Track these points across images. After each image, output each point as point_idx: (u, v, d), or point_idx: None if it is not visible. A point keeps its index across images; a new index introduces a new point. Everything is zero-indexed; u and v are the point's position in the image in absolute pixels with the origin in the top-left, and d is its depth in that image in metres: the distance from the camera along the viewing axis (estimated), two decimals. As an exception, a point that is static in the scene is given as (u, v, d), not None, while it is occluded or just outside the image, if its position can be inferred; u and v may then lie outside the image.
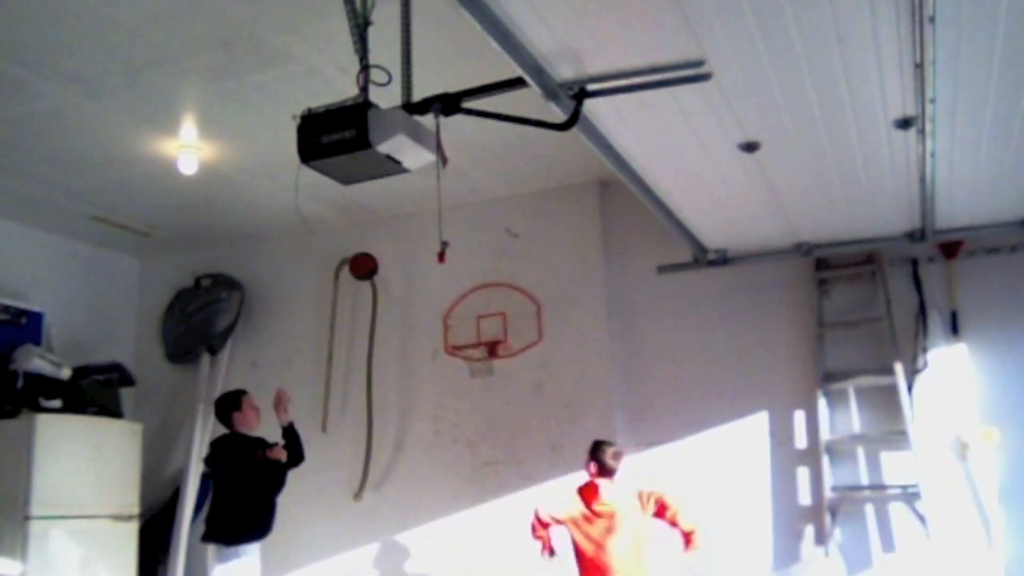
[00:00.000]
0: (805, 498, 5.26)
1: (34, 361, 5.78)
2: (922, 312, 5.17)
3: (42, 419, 5.55)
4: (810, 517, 5.23)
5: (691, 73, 3.08)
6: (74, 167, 5.42)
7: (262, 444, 5.23)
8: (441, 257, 3.57)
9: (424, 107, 3.32)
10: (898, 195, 4.38)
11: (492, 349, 5.87)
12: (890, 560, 5.02)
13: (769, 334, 5.49)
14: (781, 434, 5.37)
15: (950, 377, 5.06)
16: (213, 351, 6.66)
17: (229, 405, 5.29)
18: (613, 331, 5.76)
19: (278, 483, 5.30)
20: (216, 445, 5.31)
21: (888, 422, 5.11)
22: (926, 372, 5.08)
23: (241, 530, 5.11)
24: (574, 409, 5.71)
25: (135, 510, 5.97)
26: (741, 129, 3.63)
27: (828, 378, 5.28)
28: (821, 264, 5.43)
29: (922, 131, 3.54)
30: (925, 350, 5.11)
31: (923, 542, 4.92)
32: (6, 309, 6.03)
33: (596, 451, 4.72)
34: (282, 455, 5.12)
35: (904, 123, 3.55)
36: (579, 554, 4.69)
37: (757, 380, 5.45)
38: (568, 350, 5.79)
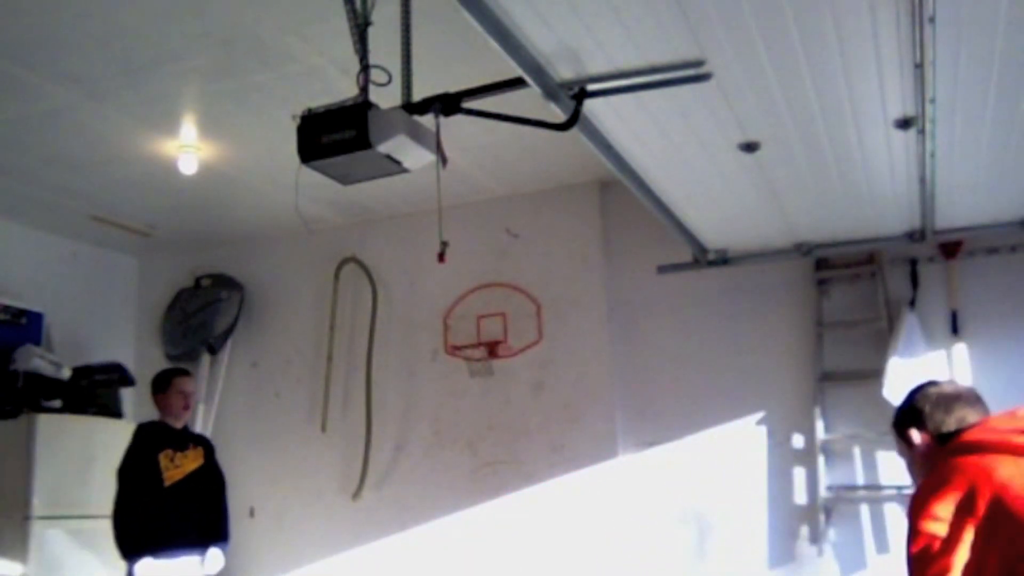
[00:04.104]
0: (801, 497, 5.27)
1: (34, 361, 5.78)
2: (910, 312, 5.11)
3: (42, 419, 5.56)
4: (805, 516, 5.24)
5: (691, 73, 3.07)
6: (74, 167, 5.43)
7: (175, 442, 4.96)
8: (441, 257, 3.58)
9: (424, 107, 3.32)
10: (898, 195, 4.38)
11: (492, 349, 5.87)
12: (884, 561, 5.02)
13: (768, 334, 5.50)
14: (779, 434, 5.37)
15: (949, 377, 5.06)
16: (213, 351, 6.67)
17: (154, 386, 5.04)
18: (613, 331, 5.76)
19: (195, 492, 4.96)
20: (135, 431, 5.05)
21: (885, 422, 5.09)
22: (886, 377, 4.92)
23: (138, 541, 4.70)
24: (574, 409, 5.71)
25: (135, 510, 5.97)
26: (741, 129, 3.63)
27: (826, 378, 5.28)
28: (821, 264, 5.43)
29: (922, 131, 3.54)
30: (887, 357, 4.99)
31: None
32: (6, 309, 6.03)
33: None
34: (191, 465, 4.89)
35: (904, 123, 3.55)
36: None
37: (756, 380, 5.46)
38: (568, 350, 5.80)
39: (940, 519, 2.09)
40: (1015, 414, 2.25)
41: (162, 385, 5.06)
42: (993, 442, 2.15)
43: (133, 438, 4.98)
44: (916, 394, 2.42)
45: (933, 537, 2.08)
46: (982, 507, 2.04)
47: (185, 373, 5.19)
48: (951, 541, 2.06)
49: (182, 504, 4.92)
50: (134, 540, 4.70)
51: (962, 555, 2.05)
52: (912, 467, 2.43)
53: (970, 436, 2.23)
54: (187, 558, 4.87)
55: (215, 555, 4.97)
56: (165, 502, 4.85)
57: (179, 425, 5.09)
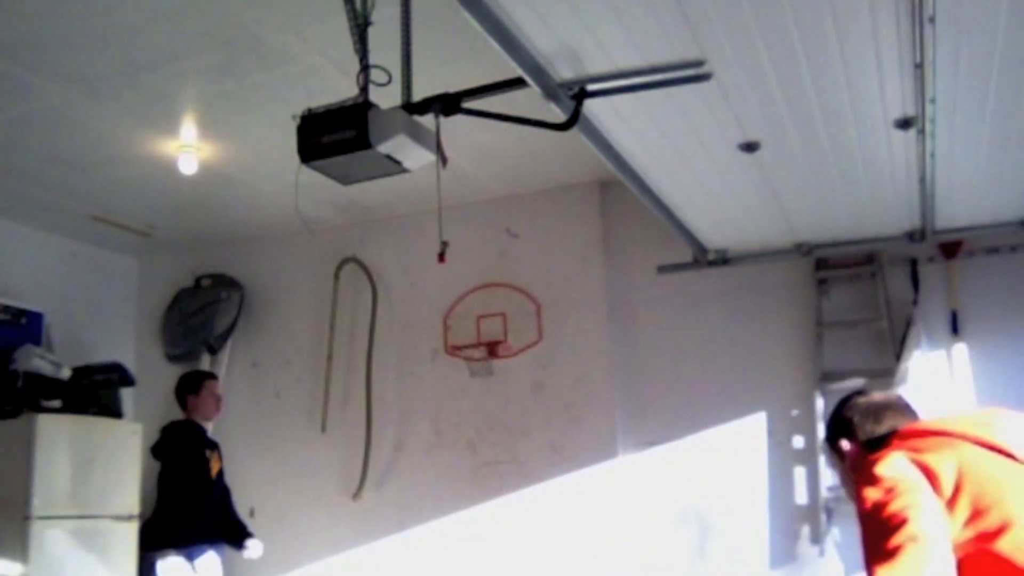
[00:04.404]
0: (802, 497, 5.27)
1: (34, 361, 5.77)
2: (913, 314, 5.13)
3: (42, 419, 5.55)
4: (806, 517, 5.24)
5: (691, 73, 3.08)
6: (74, 167, 5.42)
7: (208, 443, 5.14)
8: (441, 257, 3.58)
9: (424, 107, 3.33)
10: (898, 195, 4.38)
11: (492, 349, 5.87)
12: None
13: (768, 334, 5.50)
14: (779, 434, 5.37)
15: (949, 377, 5.06)
16: (213, 351, 6.66)
17: (185, 388, 5.19)
18: (613, 331, 5.76)
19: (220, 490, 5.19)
20: (164, 432, 5.21)
21: (887, 422, 5.10)
22: (906, 383, 4.94)
23: (182, 534, 4.91)
24: (574, 409, 5.71)
25: (135, 510, 5.96)
26: (741, 129, 3.63)
27: (826, 378, 5.28)
28: (821, 264, 5.43)
29: (922, 131, 3.54)
30: (903, 356, 5.02)
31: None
32: (6, 309, 6.03)
33: None
34: (216, 466, 5.08)
35: (904, 123, 3.55)
36: None
37: (756, 380, 5.46)
38: (568, 350, 5.79)
39: (902, 470, 1.91)
40: (964, 413, 2.15)
41: (193, 387, 5.22)
42: (948, 431, 2.01)
43: (173, 436, 5.13)
44: (844, 405, 2.33)
45: (897, 480, 1.89)
46: (948, 483, 1.87)
47: (214, 376, 5.35)
48: (920, 488, 1.86)
49: (216, 500, 5.17)
50: (179, 533, 4.93)
51: (927, 500, 1.84)
52: (845, 479, 2.31)
53: (924, 425, 2.09)
54: (212, 553, 5.07)
55: (255, 544, 5.22)
56: (211, 496, 5.10)
57: (207, 427, 5.29)
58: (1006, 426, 2.01)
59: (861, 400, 2.29)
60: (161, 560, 4.95)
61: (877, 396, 2.30)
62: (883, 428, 2.19)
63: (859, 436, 2.22)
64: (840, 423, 2.29)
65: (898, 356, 5.06)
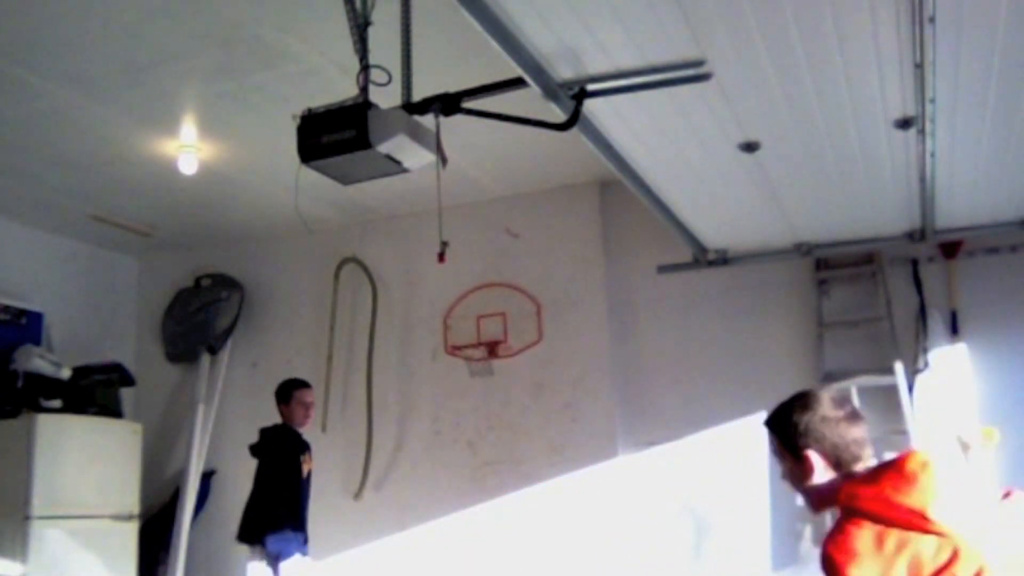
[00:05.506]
0: (804, 498, 5.27)
1: (34, 361, 5.78)
2: (923, 312, 5.18)
3: (42, 419, 5.56)
4: (808, 517, 5.23)
5: (691, 73, 3.08)
6: (74, 167, 5.43)
7: (303, 446, 5.27)
8: (441, 257, 3.58)
9: (424, 107, 3.33)
10: (898, 195, 4.38)
11: (492, 349, 5.87)
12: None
13: (769, 334, 5.50)
14: (781, 434, 5.36)
15: (950, 377, 5.07)
16: (213, 351, 6.66)
17: (278, 396, 5.32)
18: (613, 331, 5.76)
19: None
20: (263, 434, 5.33)
21: (888, 422, 5.11)
22: (927, 372, 5.09)
23: (275, 527, 5.06)
24: (574, 409, 5.71)
25: (135, 510, 5.97)
26: (741, 129, 3.63)
27: (828, 378, 5.27)
28: (821, 264, 5.43)
29: (922, 131, 3.54)
30: (926, 350, 5.12)
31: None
32: (6, 309, 6.03)
33: None
34: (307, 467, 5.24)
35: (904, 123, 3.55)
36: None
37: (757, 380, 5.45)
38: (568, 350, 5.79)
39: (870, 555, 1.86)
40: (905, 474, 1.97)
41: (285, 397, 5.32)
42: (891, 518, 1.93)
43: (267, 438, 5.26)
44: (805, 411, 2.25)
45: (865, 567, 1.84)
46: None
47: (305, 385, 5.41)
48: None
49: (306, 497, 5.30)
50: (268, 525, 5.05)
51: None
52: (794, 478, 2.27)
53: (876, 507, 1.98)
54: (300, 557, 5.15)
55: None
56: (300, 492, 5.24)
57: (301, 430, 5.39)
58: (943, 497, 1.90)
59: (831, 413, 2.22)
60: (251, 554, 5.09)
61: (836, 404, 2.24)
62: (846, 445, 2.15)
63: (825, 446, 2.18)
64: (806, 430, 2.22)
65: (922, 349, 5.12)
